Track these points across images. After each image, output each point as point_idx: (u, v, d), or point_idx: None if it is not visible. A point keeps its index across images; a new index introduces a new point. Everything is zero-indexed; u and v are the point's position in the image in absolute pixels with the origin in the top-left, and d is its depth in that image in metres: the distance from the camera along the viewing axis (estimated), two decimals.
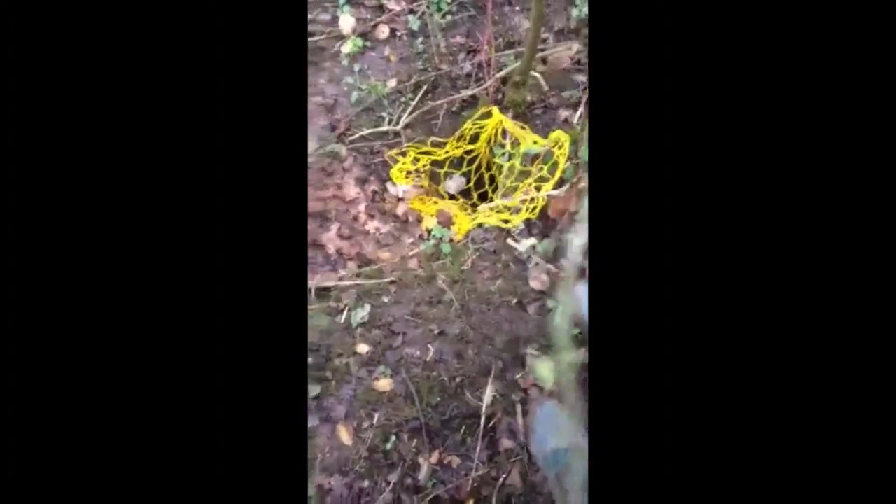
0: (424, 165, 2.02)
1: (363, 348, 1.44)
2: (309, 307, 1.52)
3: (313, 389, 1.35)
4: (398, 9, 2.09)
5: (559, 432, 1.32)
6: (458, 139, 2.01)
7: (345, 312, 1.52)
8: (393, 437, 1.33)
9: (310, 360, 1.39)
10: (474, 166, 2.06)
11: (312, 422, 1.32)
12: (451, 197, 2.09)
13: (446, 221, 1.91)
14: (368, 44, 2.04)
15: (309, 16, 2.03)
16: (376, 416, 1.35)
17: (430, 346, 1.46)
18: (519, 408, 1.41)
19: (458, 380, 1.42)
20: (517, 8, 2.14)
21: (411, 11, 2.09)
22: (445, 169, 2.06)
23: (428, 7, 2.09)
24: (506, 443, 1.37)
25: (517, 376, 1.45)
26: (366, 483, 1.27)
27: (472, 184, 2.09)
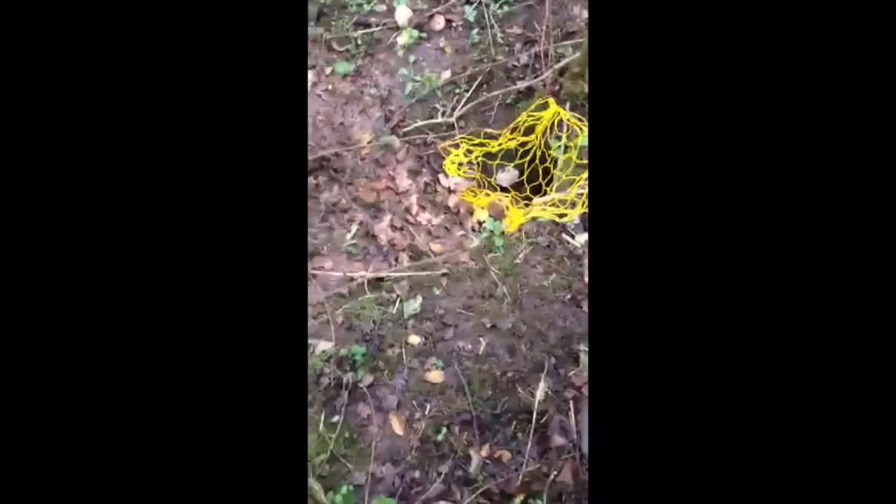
0: (477, 157, 2.00)
1: (415, 339, 1.45)
2: (361, 297, 1.54)
3: (367, 379, 1.36)
4: None
5: None
6: (513, 131, 1.98)
7: (397, 303, 1.52)
8: (444, 429, 1.33)
9: (362, 348, 1.40)
10: (527, 159, 2.03)
11: (366, 410, 1.33)
12: (504, 189, 2.07)
13: (498, 214, 1.89)
14: (424, 34, 2.03)
15: (366, 6, 2.04)
16: (428, 407, 1.35)
17: (481, 339, 1.45)
18: (572, 405, 1.39)
19: (509, 374, 1.41)
20: None
21: (467, 2, 2.07)
22: (498, 161, 2.04)
23: None
24: (557, 440, 1.35)
25: (570, 373, 1.42)
26: (417, 473, 1.28)
27: (525, 176, 2.07)
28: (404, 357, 1.42)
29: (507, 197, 2.00)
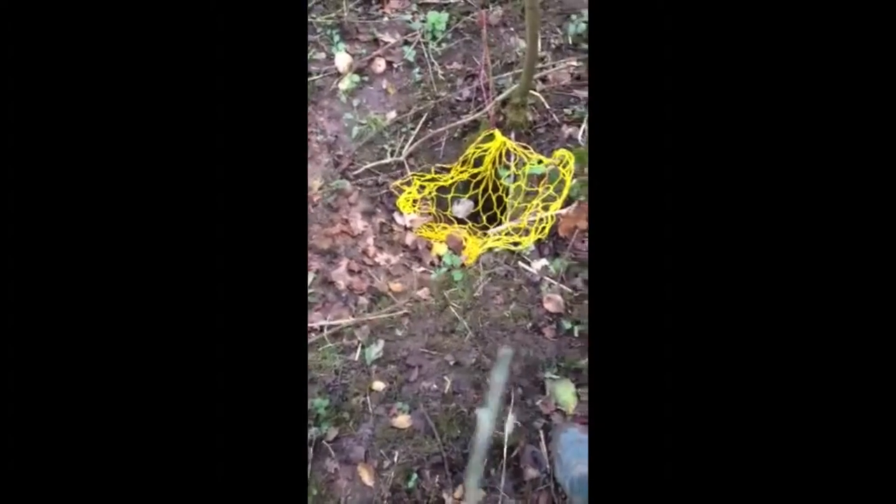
0: (430, 193, 2.02)
1: (379, 385, 1.43)
2: (321, 347, 1.52)
3: (332, 432, 1.34)
4: (392, 41, 2.11)
5: (584, 457, 1.28)
6: (463, 164, 2.00)
7: (358, 349, 1.50)
8: (415, 475, 1.30)
9: (325, 401, 1.37)
10: (480, 189, 2.05)
11: (332, 465, 1.30)
12: (461, 221, 2.09)
13: (457, 247, 1.90)
14: (366, 78, 2.06)
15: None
16: (396, 454, 1.33)
17: (446, 377, 1.44)
18: (542, 434, 1.37)
19: (477, 410, 1.39)
20: (512, 29, 2.15)
21: (406, 43, 2.11)
22: (452, 194, 2.05)
23: (423, 36, 2.11)
24: (531, 472, 1.33)
25: (538, 402, 1.42)
26: None
27: (480, 207, 2.08)
28: (369, 405, 1.39)
29: (464, 229, 2.01)
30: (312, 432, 1.32)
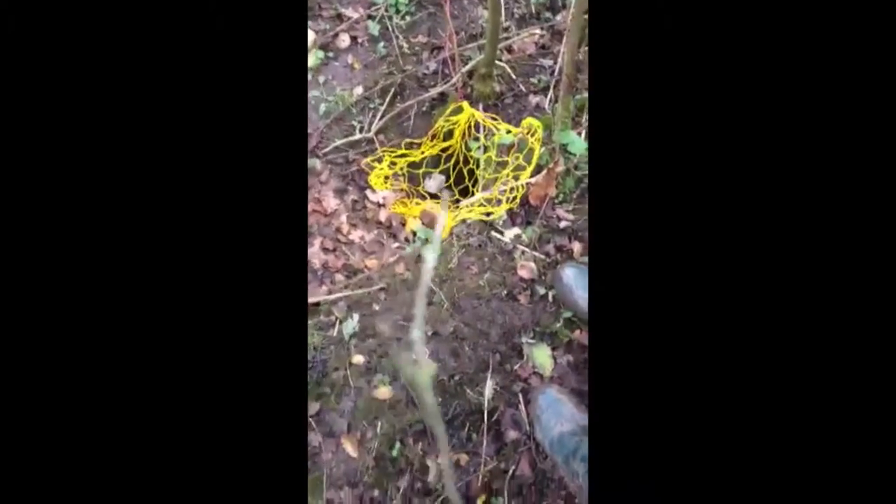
0: (402, 168, 2.01)
1: (359, 359, 1.44)
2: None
3: (313, 406, 1.35)
4: (356, 16, 2.09)
5: (563, 417, 1.31)
6: (433, 138, 2.00)
7: (336, 325, 1.51)
8: (398, 444, 1.32)
9: (308, 377, 1.38)
10: (451, 163, 2.05)
11: (316, 438, 1.31)
12: (434, 196, 2.09)
13: (431, 222, 1.91)
14: (331, 54, 2.03)
15: None
16: (379, 424, 1.35)
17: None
18: (521, 398, 1.41)
19: (456, 378, 1.42)
20: (475, 0, 2.14)
21: (370, 17, 2.08)
22: (423, 169, 2.05)
23: (386, 10, 2.09)
24: (511, 434, 1.36)
25: (516, 367, 1.45)
26: (376, 492, 1.27)
27: (451, 181, 2.09)
28: (349, 378, 1.41)
29: (437, 203, 2.01)
30: None
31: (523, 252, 1.62)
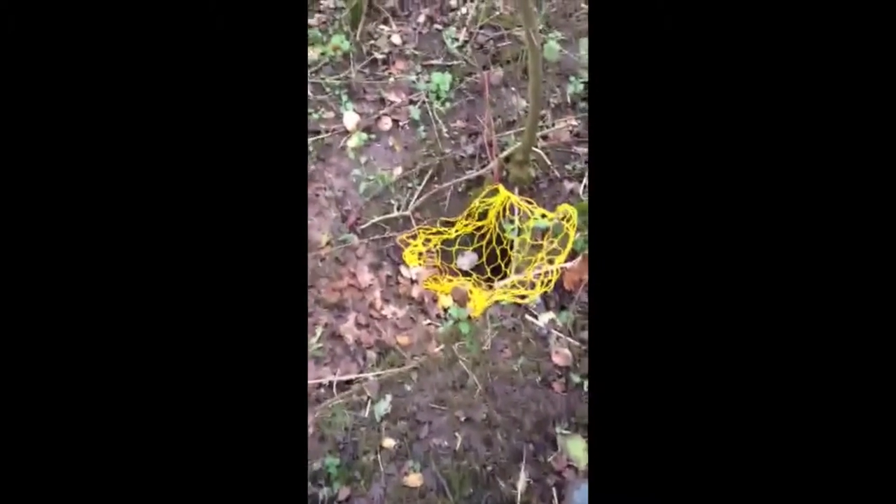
0: (435, 245, 2.05)
1: (390, 443, 1.42)
2: (331, 402, 1.51)
3: (343, 492, 1.32)
4: (398, 101, 2.19)
5: None
6: (467, 217, 2.05)
7: (368, 405, 1.50)
8: None
9: (336, 460, 1.36)
10: (485, 241, 2.09)
11: None
12: (465, 274, 2.11)
13: (462, 299, 1.92)
14: (373, 136, 2.12)
15: (314, 115, 2.13)
16: None
17: (456, 434, 1.43)
18: (555, 493, 1.36)
19: (489, 468, 1.38)
20: (513, 89, 2.24)
21: (411, 102, 2.19)
22: (456, 247, 2.09)
23: (427, 96, 2.19)
24: None
25: (550, 458, 1.41)
26: None
27: (484, 259, 2.12)
28: (380, 463, 1.38)
29: (469, 280, 2.03)
30: (324, 492, 1.30)
31: (558, 338, 1.62)
